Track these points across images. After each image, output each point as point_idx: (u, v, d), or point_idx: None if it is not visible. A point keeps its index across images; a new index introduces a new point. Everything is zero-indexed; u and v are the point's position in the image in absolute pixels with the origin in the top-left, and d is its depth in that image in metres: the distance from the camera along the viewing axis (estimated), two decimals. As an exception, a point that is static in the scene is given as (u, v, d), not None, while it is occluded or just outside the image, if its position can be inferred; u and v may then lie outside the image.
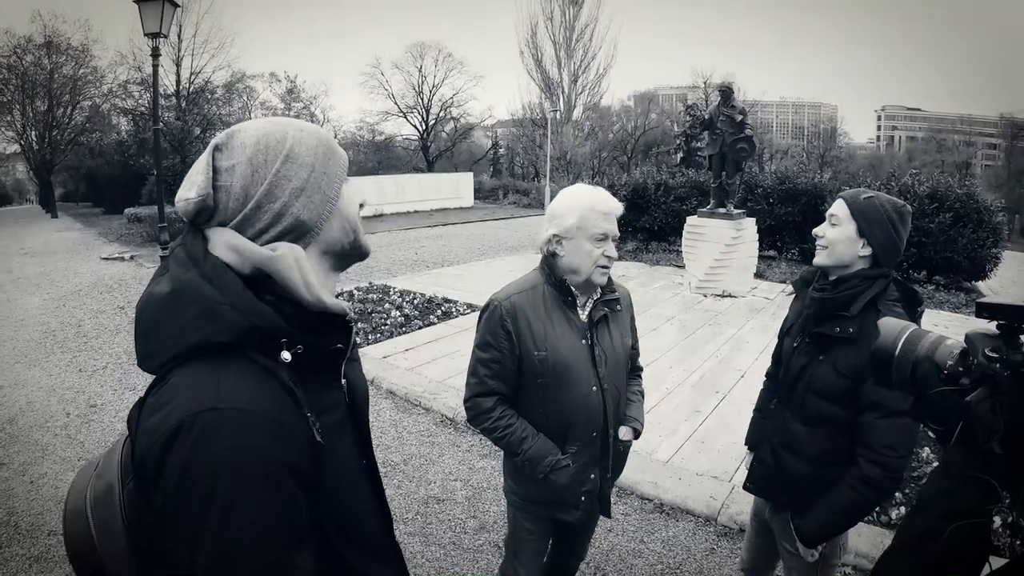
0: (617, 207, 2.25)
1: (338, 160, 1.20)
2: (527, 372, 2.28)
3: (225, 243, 1.04)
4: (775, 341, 2.69)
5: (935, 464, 4.32)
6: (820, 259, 2.24)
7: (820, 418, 2.19)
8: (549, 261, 2.32)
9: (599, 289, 2.34)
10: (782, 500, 2.40)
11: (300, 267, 1.06)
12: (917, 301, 2.19)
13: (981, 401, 1.02)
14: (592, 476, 2.36)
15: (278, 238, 1.09)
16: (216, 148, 1.09)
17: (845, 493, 2.11)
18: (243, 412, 0.95)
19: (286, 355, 1.04)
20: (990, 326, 1.10)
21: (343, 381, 1.24)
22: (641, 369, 2.70)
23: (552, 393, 2.27)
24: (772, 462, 2.37)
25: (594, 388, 2.28)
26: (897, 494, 3.95)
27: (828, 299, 2.18)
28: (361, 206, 1.26)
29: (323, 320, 1.10)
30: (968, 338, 1.11)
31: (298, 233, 1.12)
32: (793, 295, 2.54)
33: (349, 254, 1.24)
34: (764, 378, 2.78)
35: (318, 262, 1.17)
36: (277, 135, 1.12)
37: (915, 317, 2.17)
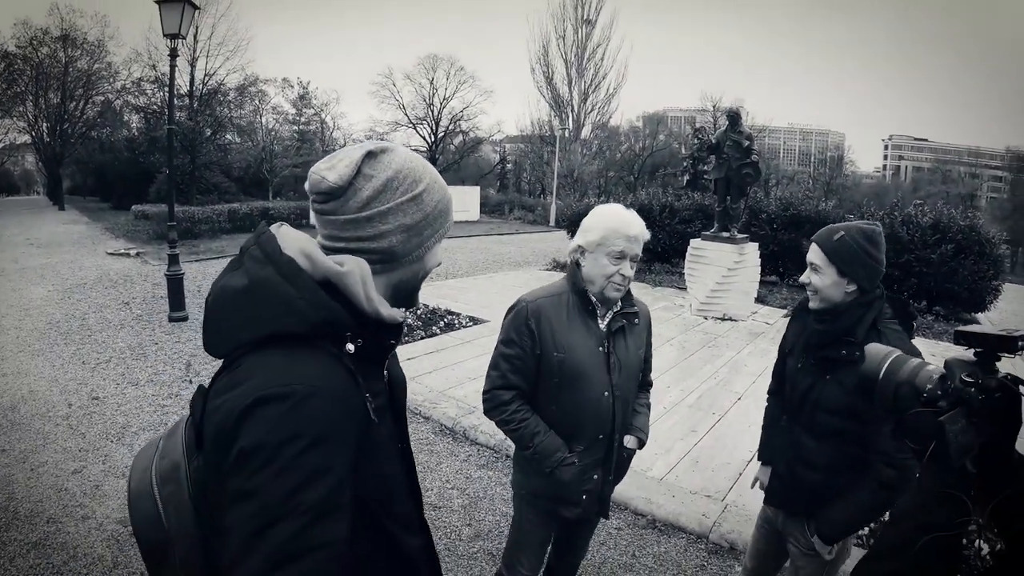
0: (642, 232, 2.37)
1: (447, 221, 1.35)
2: (544, 371, 2.40)
3: (300, 249, 1.15)
4: (774, 364, 2.79)
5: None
6: (814, 304, 2.37)
7: (830, 432, 2.32)
8: (573, 269, 2.45)
9: (619, 302, 2.45)
10: (798, 508, 2.51)
11: (365, 282, 1.17)
12: (911, 316, 2.35)
13: (955, 422, 1.10)
14: (595, 477, 2.48)
15: (370, 252, 1.23)
16: (369, 153, 1.22)
17: (863, 495, 2.24)
18: (316, 389, 1.04)
19: (350, 347, 1.16)
20: (967, 353, 1.18)
21: (385, 373, 1.36)
22: (650, 384, 2.80)
23: (566, 393, 2.39)
24: (787, 474, 2.51)
25: (605, 393, 2.40)
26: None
27: (830, 330, 2.32)
28: (437, 265, 1.40)
29: (379, 323, 1.21)
30: (947, 364, 1.19)
31: (385, 258, 1.25)
32: (790, 317, 2.68)
33: (406, 297, 1.36)
34: (767, 395, 2.89)
35: (383, 288, 1.27)
36: (418, 173, 1.26)
37: (910, 331, 2.31)
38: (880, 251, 2.27)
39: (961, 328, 1.19)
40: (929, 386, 1.22)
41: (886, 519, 1.58)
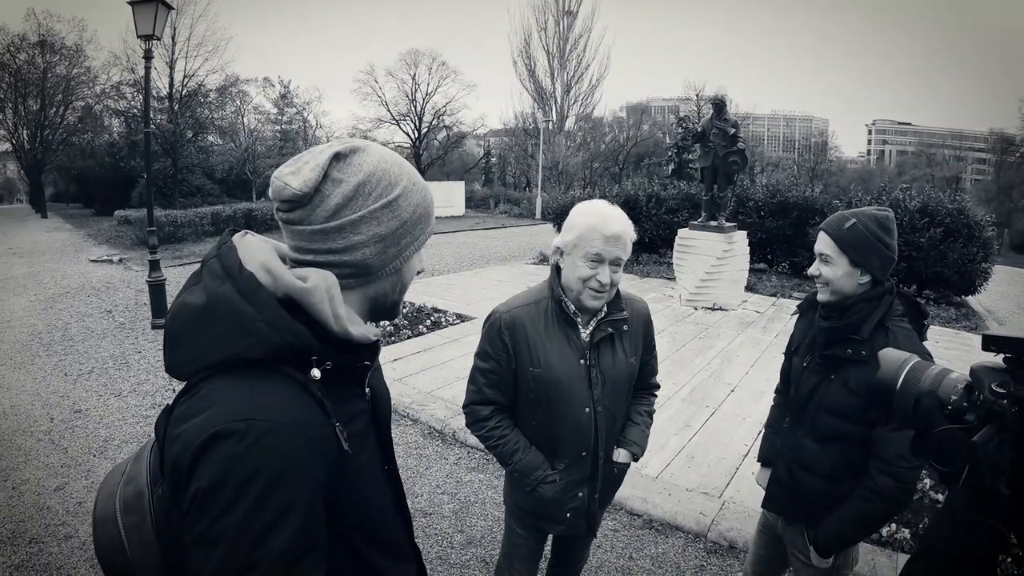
0: (624, 231, 2.13)
1: (427, 227, 1.24)
2: (521, 386, 2.28)
3: (260, 263, 1.04)
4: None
5: (927, 479, 4.31)
6: (824, 297, 2.24)
7: (833, 435, 2.20)
8: (554, 274, 2.28)
9: (604, 308, 2.26)
10: (797, 515, 2.40)
11: (331, 298, 1.06)
12: (922, 315, 2.21)
13: (988, 440, 0.98)
14: (580, 495, 2.35)
15: (341, 266, 1.12)
16: (336, 155, 1.10)
17: (858, 505, 2.12)
18: (275, 424, 0.96)
19: (316, 373, 1.05)
20: (996, 359, 1.06)
21: (367, 389, 1.26)
22: (656, 387, 2.63)
23: (543, 409, 2.26)
24: (788, 479, 2.38)
25: (587, 410, 2.24)
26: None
27: (836, 327, 2.19)
28: (419, 272, 1.28)
29: (350, 342, 1.11)
30: (973, 372, 1.07)
31: (358, 271, 1.14)
32: (798, 315, 2.54)
33: (386, 311, 1.26)
34: (774, 394, 2.78)
35: (358, 303, 1.19)
36: (393, 176, 1.14)
37: (921, 331, 2.19)
38: (893, 238, 2.15)
39: (989, 332, 1.07)
40: (954, 397, 1.10)
41: (913, 554, 1.46)
